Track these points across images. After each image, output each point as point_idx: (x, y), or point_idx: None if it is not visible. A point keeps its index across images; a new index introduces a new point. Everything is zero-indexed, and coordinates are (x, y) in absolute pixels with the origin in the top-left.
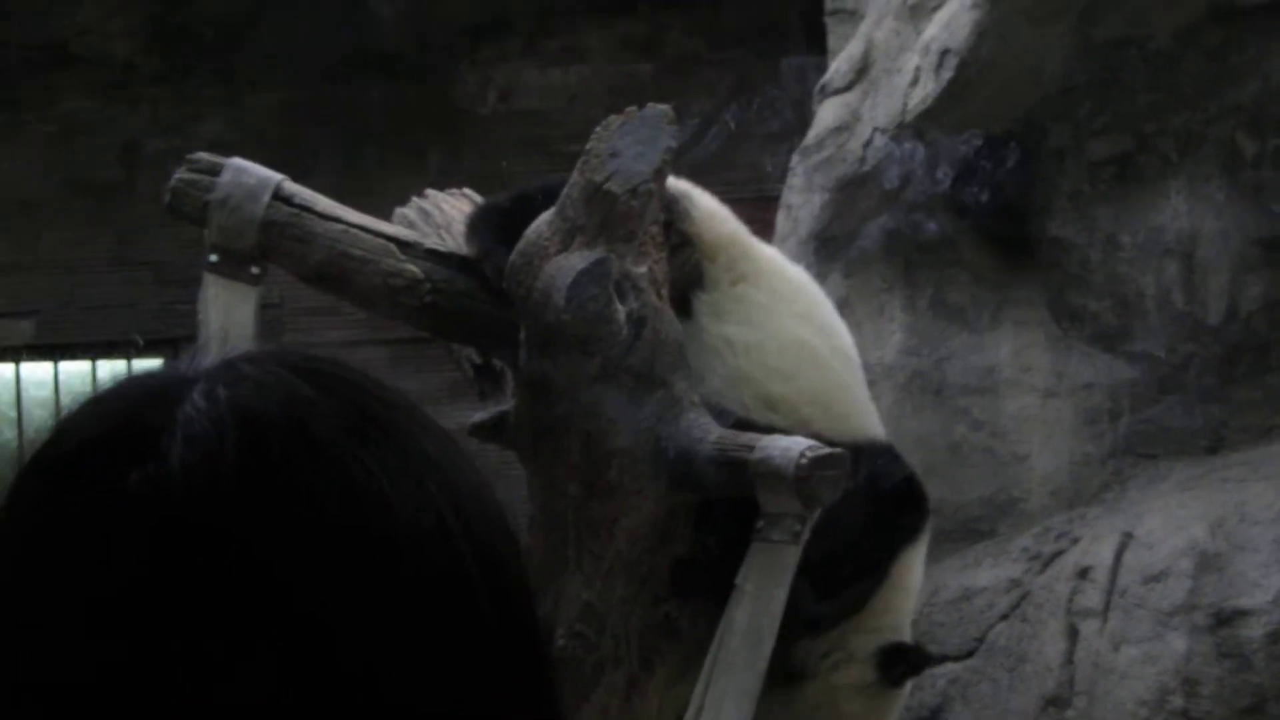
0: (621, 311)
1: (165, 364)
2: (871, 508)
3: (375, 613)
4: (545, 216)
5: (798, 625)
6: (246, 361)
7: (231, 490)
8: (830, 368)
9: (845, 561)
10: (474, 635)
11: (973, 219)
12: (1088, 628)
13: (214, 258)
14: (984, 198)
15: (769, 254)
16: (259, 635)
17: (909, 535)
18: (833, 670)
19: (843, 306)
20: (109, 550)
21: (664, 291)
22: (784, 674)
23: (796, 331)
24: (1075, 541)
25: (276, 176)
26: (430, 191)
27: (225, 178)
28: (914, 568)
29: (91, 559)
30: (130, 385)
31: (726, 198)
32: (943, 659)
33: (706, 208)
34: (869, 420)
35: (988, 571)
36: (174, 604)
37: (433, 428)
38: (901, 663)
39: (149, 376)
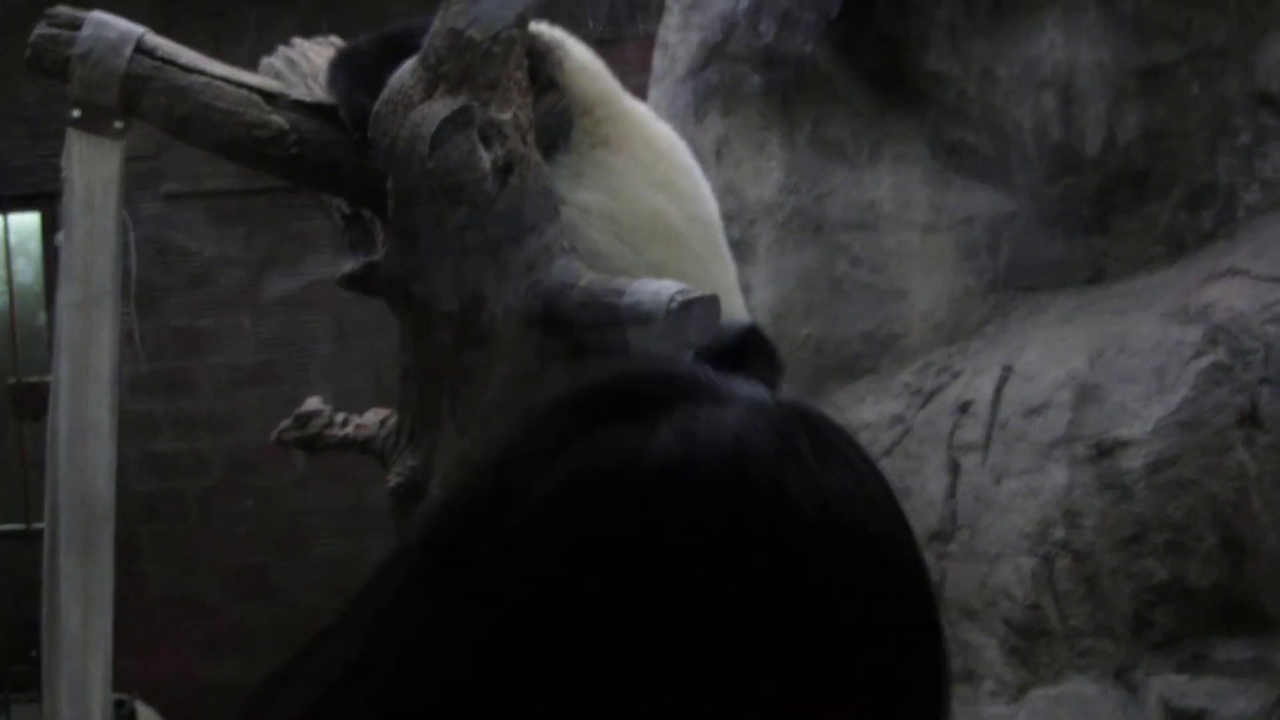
0: (487, 159)
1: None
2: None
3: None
4: (409, 65)
5: None
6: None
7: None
8: (684, 241)
9: None
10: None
11: (850, 54)
12: (969, 461)
13: (77, 113)
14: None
15: (637, 115)
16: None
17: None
18: None
19: (722, 145)
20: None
21: (530, 138)
22: None
23: (652, 201)
24: (956, 376)
25: (139, 29)
26: (297, 40)
27: (86, 32)
28: None
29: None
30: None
31: (602, 37)
32: None
33: (579, 60)
34: (725, 297)
35: (870, 407)
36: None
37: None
38: None
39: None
